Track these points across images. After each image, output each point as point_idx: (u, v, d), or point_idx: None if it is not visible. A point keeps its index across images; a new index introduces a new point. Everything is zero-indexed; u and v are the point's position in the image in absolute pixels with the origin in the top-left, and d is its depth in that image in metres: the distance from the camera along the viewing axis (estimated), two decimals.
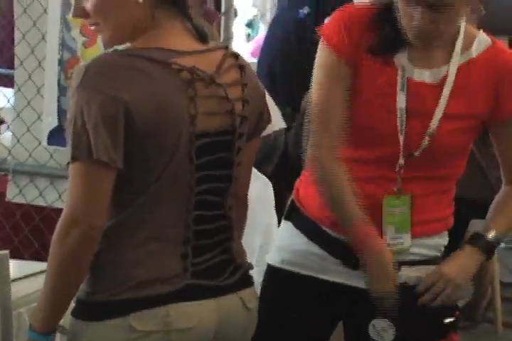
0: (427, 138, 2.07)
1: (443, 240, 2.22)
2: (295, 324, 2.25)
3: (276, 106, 4.04)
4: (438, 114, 2.07)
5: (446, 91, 2.07)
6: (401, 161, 2.09)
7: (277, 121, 3.89)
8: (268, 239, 2.83)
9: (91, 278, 1.84)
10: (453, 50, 2.09)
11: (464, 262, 2.11)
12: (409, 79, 2.08)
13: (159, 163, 1.81)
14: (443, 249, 2.22)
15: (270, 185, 2.97)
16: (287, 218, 2.30)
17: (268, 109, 2.05)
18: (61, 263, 1.78)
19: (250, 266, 2.04)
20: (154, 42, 1.83)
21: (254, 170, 2.50)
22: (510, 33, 4.99)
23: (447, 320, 2.14)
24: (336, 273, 2.17)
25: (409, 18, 2.00)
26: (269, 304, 2.14)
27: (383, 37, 2.09)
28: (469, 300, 4.55)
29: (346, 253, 2.14)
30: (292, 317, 2.24)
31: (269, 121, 2.06)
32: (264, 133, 2.46)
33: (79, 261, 1.79)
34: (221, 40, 3.16)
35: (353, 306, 2.18)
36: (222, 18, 3.22)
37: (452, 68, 2.08)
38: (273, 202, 2.91)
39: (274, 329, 2.20)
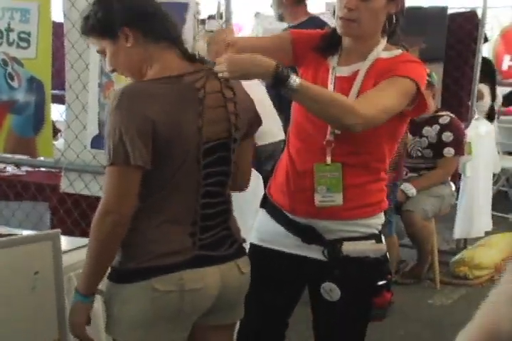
0: None
1: (379, 220, 2.17)
2: (269, 289, 2.25)
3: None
4: (351, 98, 2.02)
5: (358, 81, 2.04)
6: (329, 138, 2.05)
7: (279, 133, 3.84)
8: None
9: (122, 251, 1.85)
10: (368, 54, 2.07)
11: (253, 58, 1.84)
12: (337, 76, 2.09)
13: (175, 165, 1.82)
14: (380, 227, 2.16)
15: (260, 177, 2.97)
16: (261, 206, 2.30)
17: (257, 120, 2.04)
18: (98, 244, 1.80)
19: (244, 240, 2.06)
20: (167, 71, 1.83)
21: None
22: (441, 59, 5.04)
23: (380, 283, 2.11)
24: (296, 248, 2.16)
25: (340, 7, 2.02)
26: (254, 273, 2.13)
27: (324, 40, 2.14)
28: (415, 264, 4.57)
29: (302, 231, 2.14)
30: (266, 284, 2.24)
31: (257, 128, 2.06)
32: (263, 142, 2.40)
33: (111, 242, 1.80)
34: None
35: (310, 273, 2.17)
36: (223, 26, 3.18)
37: (365, 65, 2.06)
38: (262, 192, 2.91)
39: (254, 295, 2.15)
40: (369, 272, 2.10)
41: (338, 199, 2.07)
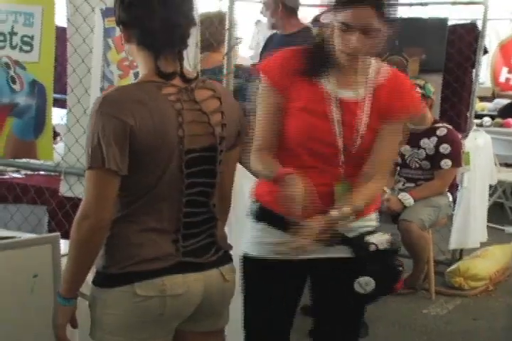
0: (359, 139, 2.13)
1: (376, 214, 2.34)
2: (277, 292, 2.31)
3: None
4: (364, 121, 2.13)
5: (367, 106, 2.13)
6: (342, 158, 2.15)
7: None
8: None
9: (106, 255, 1.86)
10: (366, 76, 2.15)
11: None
12: (339, 98, 2.14)
13: (156, 172, 1.82)
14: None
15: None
16: (258, 220, 2.28)
17: (244, 128, 2.06)
18: (77, 246, 1.80)
19: (230, 247, 2.05)
20: (151, 77, 1.86)
21: (246, 172, 2.49)
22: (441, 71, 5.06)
23: (400, 268, 2.25)
24: (313, 252, 2.14)
25: (345, 42, 2.05)
26: (255, 286, 2.23)
27: (312, 62, 2.15)
28: (411, 274, 4.55)
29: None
30: (274, 289, 2.30)
31: (244, 138, 2.07)
32: None
33: (90, 246, 1.80)
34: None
35: (325, 271, 2.26)
36: (225, 57, 3.21)
37: (369, 90, 2.15)
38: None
39: (261, 302, 2.28)
40: (394, 260, 2.23)
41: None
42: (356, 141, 2.14)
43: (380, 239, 2.20)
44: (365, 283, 2.15)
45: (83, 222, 1.76)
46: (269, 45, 4.70)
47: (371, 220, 2.30)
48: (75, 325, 1.93)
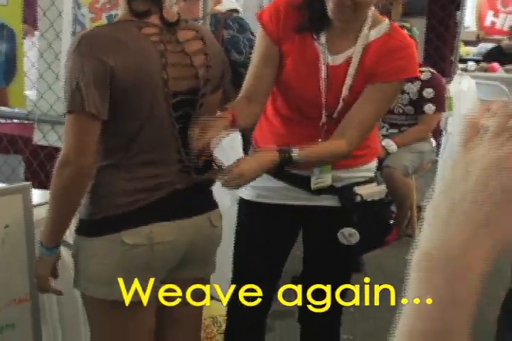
0: (341, 102, 2.06)
1: (375, 163, 2.27)
2: (270, 234, 2.31)
3: None
4: (347, 85, 2.05)
5: (352, 69, 2.04)
6: (324, 120, 2.09)
7: None
8: None
9: (90, 203, 1.81)
10: (359, 32, 2.04)
11: (260, 166, 1.95)
12: (328, 63, 2.07)
13: (141, 116, 1.76)
14: (375, 169, 2.27)
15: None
16: None
17: (228, 69, 2.00)
18: (58, 194, 1.75)
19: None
20: (128, 17, 1.78)
21: None
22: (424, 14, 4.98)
23: (391, 221, 2.29)
24: (301, 199, 2.20)
25: None
26: (249, 227, 2.25)
27: (308, 17, 2.04)
28: (394, 220, 4.56)
29: (306, 184, 2.15)
30: (267, 232, 2.31)
31: (228, 78, 2.01)
32: None
33: (71, 193, 1.75)
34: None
35: (320, 221, 2.23)
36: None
37: (357, 51, 2.04)
38: (240, 144, 2.90)
39: (255, 241, 2.29)
40: (384, 213, 2.23)
41: (328, 180, 2.14)
42: (338, 104, 2.07)
43: (369, 191, 2.16)
44: (348, 235, 2.13)
45: (64, 168, 1.71)
46: None
47: (366, 171, 2.22)
48: (56, 276, 1.91)
